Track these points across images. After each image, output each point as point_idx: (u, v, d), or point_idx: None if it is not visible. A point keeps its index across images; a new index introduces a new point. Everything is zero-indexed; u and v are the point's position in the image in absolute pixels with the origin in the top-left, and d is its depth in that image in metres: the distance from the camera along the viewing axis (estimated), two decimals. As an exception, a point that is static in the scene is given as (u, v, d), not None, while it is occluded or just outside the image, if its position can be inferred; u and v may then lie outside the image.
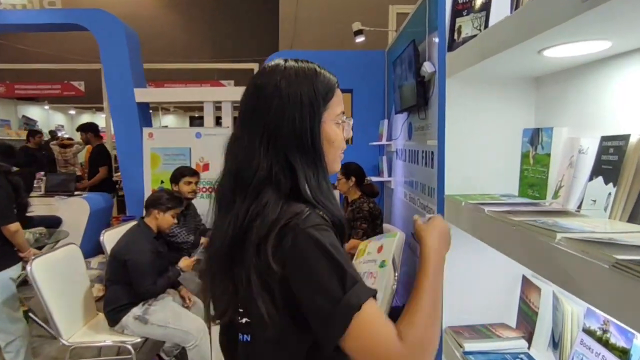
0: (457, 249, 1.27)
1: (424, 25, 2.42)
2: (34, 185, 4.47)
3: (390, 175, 3.70)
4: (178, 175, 2.84)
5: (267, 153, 0.70)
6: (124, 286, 2.03)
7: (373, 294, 0.64)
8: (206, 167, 3.52)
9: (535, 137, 1.20)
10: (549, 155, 1.12)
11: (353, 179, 2.74)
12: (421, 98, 2.36)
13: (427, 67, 2.29)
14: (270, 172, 0.70)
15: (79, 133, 5.77)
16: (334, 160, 0.78)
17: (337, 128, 0.76)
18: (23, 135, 7.50)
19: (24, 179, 3.32)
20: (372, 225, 2.67)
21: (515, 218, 0.84)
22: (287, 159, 0.71)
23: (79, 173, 7.52)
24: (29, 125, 9.13)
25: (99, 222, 4.13)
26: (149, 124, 4.12)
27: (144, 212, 2.25)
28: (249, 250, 0.66)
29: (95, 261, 3.86)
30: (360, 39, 3.97)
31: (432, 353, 0.65)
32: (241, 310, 0.72)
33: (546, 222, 0.78)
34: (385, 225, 2.91)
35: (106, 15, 3.90)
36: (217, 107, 4.15)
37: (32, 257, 2.45)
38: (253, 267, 0.66)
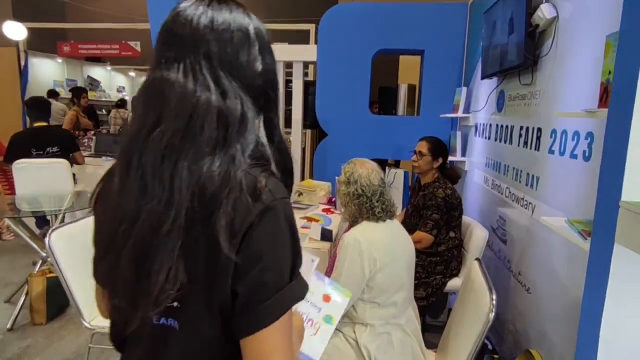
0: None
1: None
2: (84, 144, 4.42)
3: (464, 154, 3.10)
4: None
5: None
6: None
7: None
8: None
9: None
10: None
11: (440, 159, 2.19)
12: (530, 55, 1.76)
13: (545, 12, 1.67)
14: None
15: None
16: None
17: None
18: (90, 95, 7.70)
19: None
20: (447, 218, 2.10)
21: None
22: None
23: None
24: (94, 86, 9.45)
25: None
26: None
27: None
28: None
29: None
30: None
31: None
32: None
33: None
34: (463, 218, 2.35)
35: (154, -35, 3.57)
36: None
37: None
38: None
